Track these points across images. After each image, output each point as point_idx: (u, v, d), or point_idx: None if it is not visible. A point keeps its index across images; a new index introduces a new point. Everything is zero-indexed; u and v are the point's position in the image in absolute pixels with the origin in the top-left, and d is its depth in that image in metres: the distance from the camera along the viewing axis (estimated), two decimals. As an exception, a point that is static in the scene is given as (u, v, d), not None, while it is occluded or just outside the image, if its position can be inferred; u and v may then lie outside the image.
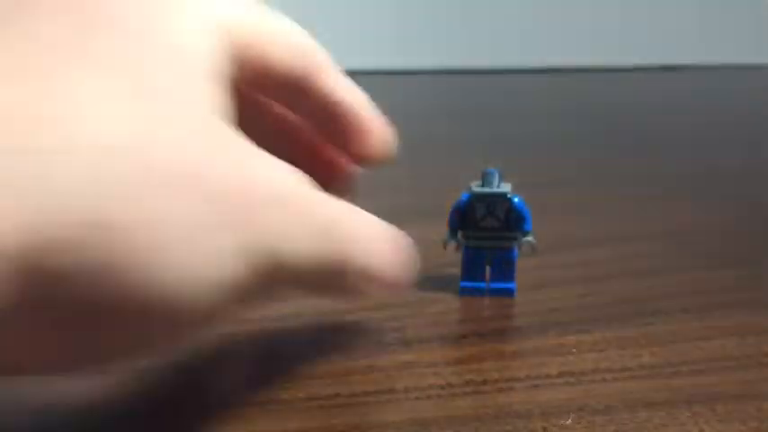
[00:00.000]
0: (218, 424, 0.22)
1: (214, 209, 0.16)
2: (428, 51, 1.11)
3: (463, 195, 0.29)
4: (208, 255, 0.16)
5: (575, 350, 0.26)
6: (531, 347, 0.26)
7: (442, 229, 0.30)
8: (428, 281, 0.32)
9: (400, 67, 1.06)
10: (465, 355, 0.26)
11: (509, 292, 0.30)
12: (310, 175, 0.20)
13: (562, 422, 0.22)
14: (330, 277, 0.20)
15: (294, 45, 0.22)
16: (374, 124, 0.24)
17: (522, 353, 0.26)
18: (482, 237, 0.30)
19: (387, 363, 0.25)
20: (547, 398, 0.23)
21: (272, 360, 0.25)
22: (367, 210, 0.21)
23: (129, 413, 0.22)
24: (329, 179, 0.25)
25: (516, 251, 0.30)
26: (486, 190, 0.29)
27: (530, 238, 0.30)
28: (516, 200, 0.29)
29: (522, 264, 0.31)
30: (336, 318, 0.29)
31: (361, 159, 0.25)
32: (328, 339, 0.27)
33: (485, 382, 0.24)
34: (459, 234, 0.30)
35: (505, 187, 0.29)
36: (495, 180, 0.29)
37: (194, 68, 0.18)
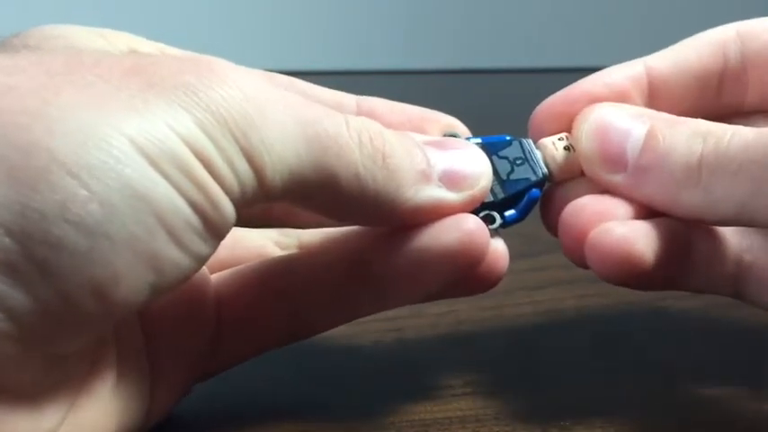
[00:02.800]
0: (218, 425, 0.22)
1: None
2: (428, 51, 1.11)
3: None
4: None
5: (574, 350, 0.26)
6: (530, 347, 0.26)
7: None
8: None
9: (400, 67, 1.06)
10: (464, 355, 0.26)
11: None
12: None
13: (561, 423, 0.22)
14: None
15: None
16: None
17: (522, 353, 0.26)
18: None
19: (386, 363, 0.25)
20: (546, 398, 0.23)
21: (271, 361, 0.25)
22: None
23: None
24: None
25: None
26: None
27: None
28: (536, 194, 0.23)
29: (522, 264, 0.31)
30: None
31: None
32: (327, 340, 0.27)
33: (484, 383, 0.24)
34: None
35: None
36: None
37: None
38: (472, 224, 0.20)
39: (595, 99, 0.23)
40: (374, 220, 0.21)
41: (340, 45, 1.06)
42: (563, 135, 0.23)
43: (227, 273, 0.23)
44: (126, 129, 0.16)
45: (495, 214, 0.22)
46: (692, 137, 0.20)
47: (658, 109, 0.23)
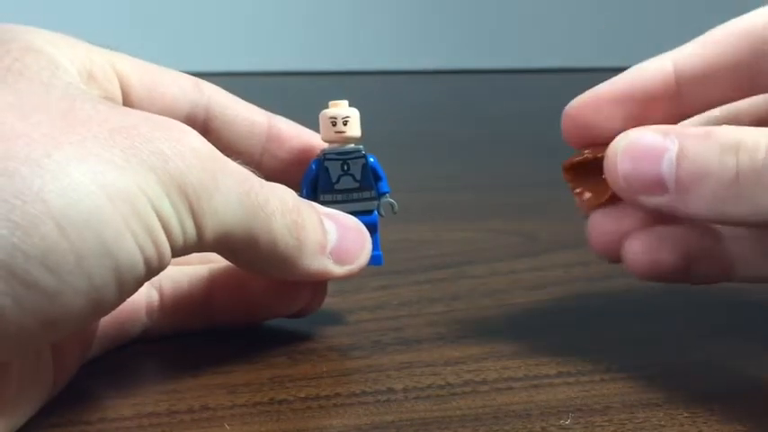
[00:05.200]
0: (217, 424, 0.22)
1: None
2: (428, 51, 1.11)
3: (313, 162, 0.27)
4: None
5: (574, 350, 0.26)
6: (529, 347, 0.26)
7: (436, 229, 0.30)
8: (424, 281, 0.32)
9: (400, 67, 1.06)
10: (464, 355, 0.26)
11: (376, 260, 0.27)
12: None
13: (561, 422, 0.22)
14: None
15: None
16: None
17: (521, 353, 0.26)
18: (341, 200, 0.27)
19: (386, 363, 0.25)
20: (545, 398, 0.23)
21: (272, 359, 0.26)
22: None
23: (123, 417, 0.22)
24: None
25: (377, 215, 0.27)
26: (339, 148, 0.27)
27: (389, 199, 0.27)
28: (372, 159, 0.27)
29: (522, 264, 0.31)
30: (336, 318, 0.29)
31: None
32: (327, 339, 0.27)
33: (483, 382, 0.24)
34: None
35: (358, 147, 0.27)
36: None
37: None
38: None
39: (623, 97, 0.24)
40: (275, 275, 0.24)
41: (340, 45, 1.06)
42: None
43: (170, 274, 0.26)
44: (109, 188, 0.18)
45: (391, 201, 0.27)
46: (724, 152, 0.21)
47: (689, 103, 0.24)
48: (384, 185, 0.27)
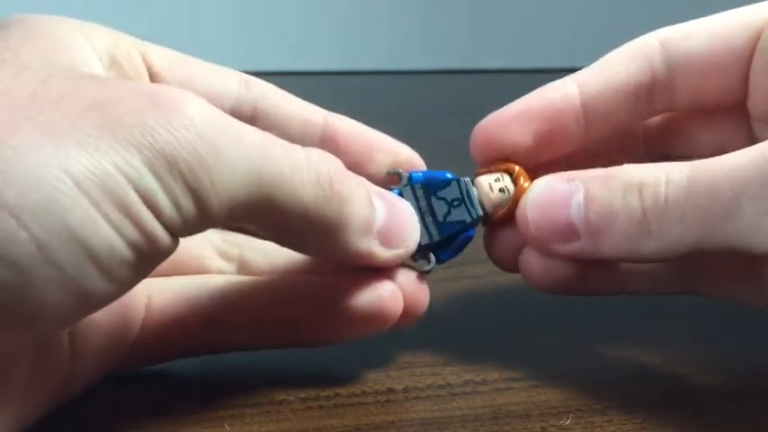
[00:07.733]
0: (217, 424, 0.22)
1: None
2: (428, 51, 1.11)
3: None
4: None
5: (574, 350, 0.26)
6: (530, 347, 0.26)
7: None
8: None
9: (400, 67, 1.06)
10: (464, 355, 0.26)
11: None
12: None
13: (561, 422, 0.22)
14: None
15: None
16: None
17: (521, 353, 0.26)
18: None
19: (385, 363, 0.25)
20: (545, 398, 0.23)
21: (271, 360, 0.26)
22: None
23: (124, 416, 0.22)
24: None
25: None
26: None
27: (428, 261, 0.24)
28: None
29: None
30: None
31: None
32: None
33: (483, 382, 0.24)
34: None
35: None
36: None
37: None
38: (387, 291, 0.23)
39: (529, 116, 0.25)
40: (315, 252, 0.23)
41: (340, 45, 1.06)
42: (499, 176, 0.24)
43: (166, 285, 0.24)
44: (74, 170, 0.17)
45: (431, 255, 0.24)
46: (628, 192, 0.22)
47: (595, 122, 0.25)
48: (446, 254, 0.24)
